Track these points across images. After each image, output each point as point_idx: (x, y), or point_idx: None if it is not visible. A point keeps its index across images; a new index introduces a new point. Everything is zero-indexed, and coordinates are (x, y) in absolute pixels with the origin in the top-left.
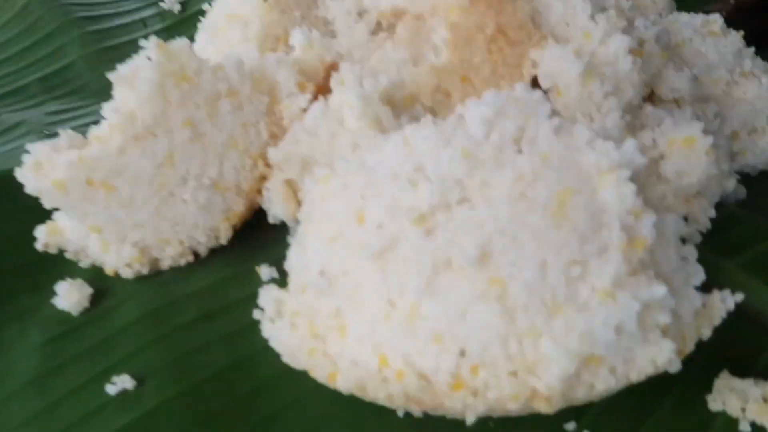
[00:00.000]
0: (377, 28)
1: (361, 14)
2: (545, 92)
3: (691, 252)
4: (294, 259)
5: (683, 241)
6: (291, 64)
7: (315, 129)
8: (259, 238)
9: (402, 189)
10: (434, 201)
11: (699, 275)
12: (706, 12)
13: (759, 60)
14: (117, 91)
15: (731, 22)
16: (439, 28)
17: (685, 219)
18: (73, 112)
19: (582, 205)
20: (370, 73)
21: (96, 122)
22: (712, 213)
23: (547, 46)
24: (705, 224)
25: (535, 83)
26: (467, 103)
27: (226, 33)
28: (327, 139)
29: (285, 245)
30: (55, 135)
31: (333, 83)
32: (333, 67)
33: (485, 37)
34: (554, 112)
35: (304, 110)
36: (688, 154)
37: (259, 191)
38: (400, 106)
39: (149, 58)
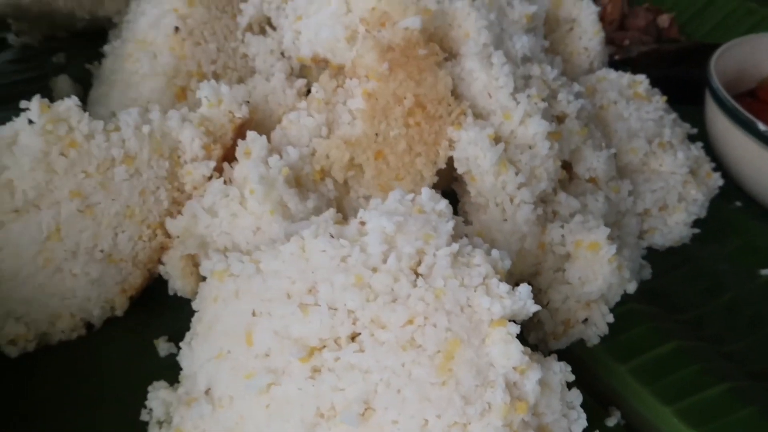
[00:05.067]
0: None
1: (283, 53)
2: (460, 177)
3: (576, 396)
4: (183, 362)
5: (569, 385)
6: (197, 124)
7: (214, 209)
8: (158, 305)
9: (293, 314)
10: (324, 334)
11: (581, 422)
12: (611, 57)
13: (678, 128)
14: None
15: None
16: (357, 91)
17: (585, 321)
18: None
19: (469, 359)
20: (279, 134)
21: None
22: (611, 318)
23: (465, 123)
24: (603, 329)
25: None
26: (370, 211)
27: (133, 63)
28: (227, 219)
29: (185, 315)
30: None
31: (239, 153)
32: (242, 127)
33: (403, 110)
34: (456, 225)
35: (209, 178)
36: (592, 260)
37: (158, 260)
38: (308, 183)
39: (31, 121)
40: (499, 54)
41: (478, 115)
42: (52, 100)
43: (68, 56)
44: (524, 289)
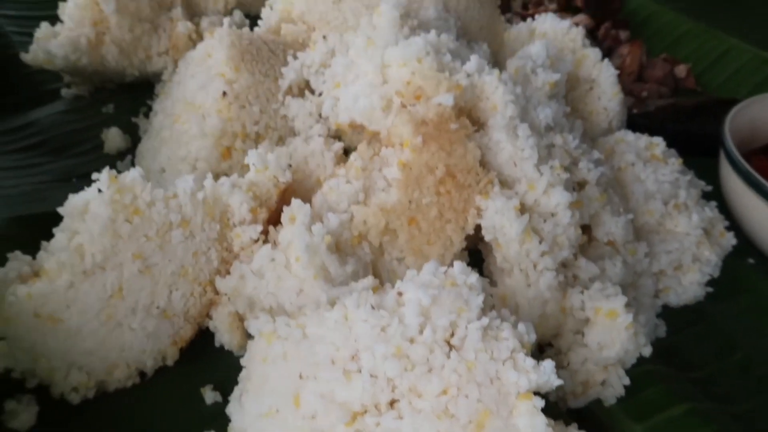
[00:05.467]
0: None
1: (321, 115)
2: (487, 243)
3: None
4: (233, 416)
5: None
6: (245, 189)
7: (262, 271)
8: (204, 355)
9: (337, 379)
10: (366, 400)
11: None
12: (630, 110)
13: (693, 189)
14: (66, 223)
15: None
16: (392, 160)
17: (602, 382)
18: (27, 169)
19: (498, 429)
20: (320, 200)
21: (46, 182)
22: (627, 381)
23: (492, 193)
24: (619, 391)
25: (478, 231)
26: (407, 282)
27: (183, 123)
28: (273, 281)
29: (229, 365)
30: None
31: (284, 218)
32: (286, 192)
33: (435, 179)
34: (486, 298)
35: (255, 241)
36: (610, 327)
37: (207, 315)
38: (346, 247)
39: (100, 191)
40: (524, 127)
41: (504, 183)
42: (103, 150)
43: (117, 107)
44: (548, 364)
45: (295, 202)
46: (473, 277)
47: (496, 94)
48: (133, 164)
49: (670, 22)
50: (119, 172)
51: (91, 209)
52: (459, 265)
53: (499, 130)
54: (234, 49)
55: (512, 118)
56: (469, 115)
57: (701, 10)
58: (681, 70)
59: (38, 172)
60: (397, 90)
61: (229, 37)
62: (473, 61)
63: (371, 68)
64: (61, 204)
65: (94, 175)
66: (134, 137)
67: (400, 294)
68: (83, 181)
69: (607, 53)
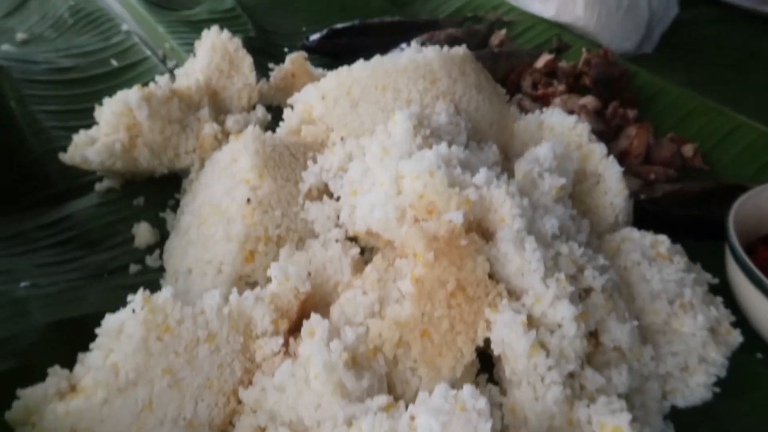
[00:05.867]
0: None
1: (339, 218)
2: (496, 356)
3: None
4: None
5: None
6: (267, 302)
7: (282, 386)
8: None
9: None
10: None
11: None
12: (636, 196)
13: (698, 288)
14: (102, 341)
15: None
16: (406, 271)
17: None
18: (62, 265)
19: None
20: (338, 312)
21: (80, 278)
22: None
23: (500, 306)
24: None
25: (487, 344)
26: (419, 406)
27: (209, 227)
28: (294, 395)
29: None
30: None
31: (303, 332)
32: (306, 304)
33: (446, 292)
34: (495, 422)
35: (276, 353)
36: None
37: (230, 423)
38: (363, 361)
39: (134, 311)
40: (531, 239)
41: (512, 292)
42: (133, 244)
43: (146, 200)
44: None
45: (315, 318)
46: (482, 401)
47: (503, 207)
48: (161, 258)
49: (677, 99)
50: (148, 266)
51: (125, 330)
52: (468, 389)
53: (507, 242)
54: (258, 156)
55: (519, 231)
56: (478, 226)
57: (708, 86)
58: (688, 149)
59: (72, 268)
60: (411, 203)
61: (254, 144)
62: (482, 174)
63: (386, 178)
64: (94, 303)
65: (129, 297)
66: (162, 230)
67: (412, 418)
68: (114, 276)
69: (616, 132)
